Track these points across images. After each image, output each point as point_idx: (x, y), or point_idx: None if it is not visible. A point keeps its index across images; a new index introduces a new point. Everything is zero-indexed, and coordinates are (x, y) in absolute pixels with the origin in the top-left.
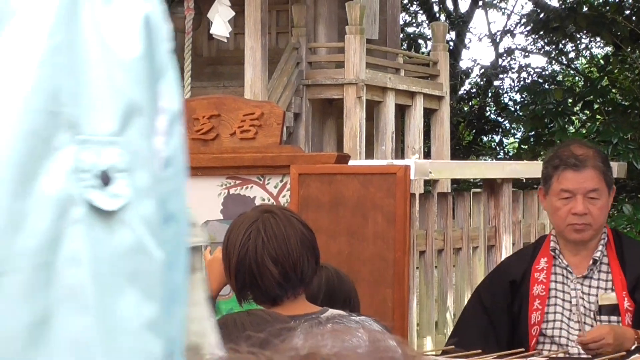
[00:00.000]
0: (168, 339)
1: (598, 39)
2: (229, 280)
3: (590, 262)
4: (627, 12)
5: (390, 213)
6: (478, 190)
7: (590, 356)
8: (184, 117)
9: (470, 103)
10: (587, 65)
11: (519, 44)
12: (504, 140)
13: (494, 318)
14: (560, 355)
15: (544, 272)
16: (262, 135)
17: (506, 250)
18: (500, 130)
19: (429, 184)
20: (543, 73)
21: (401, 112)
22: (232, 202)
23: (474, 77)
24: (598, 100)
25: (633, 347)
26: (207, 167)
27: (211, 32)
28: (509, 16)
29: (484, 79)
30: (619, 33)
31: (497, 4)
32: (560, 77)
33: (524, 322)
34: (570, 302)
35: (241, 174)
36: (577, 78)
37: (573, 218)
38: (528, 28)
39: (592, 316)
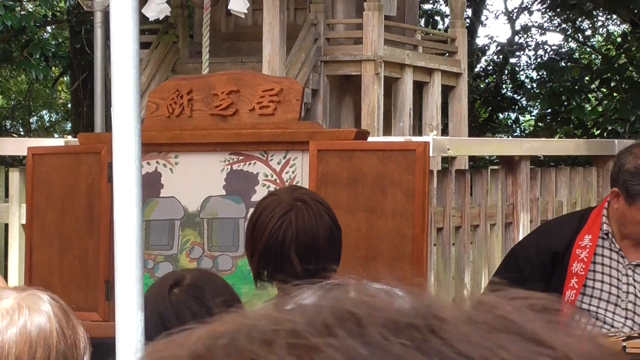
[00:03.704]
0: None
1: (614, 16)
2: (249, 258)
3: None
4: None
5: (409, 189)
6: (495, 167)
7: None
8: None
9: (486, 80)
10: (603, 43)
11: (536, 21)
12: (520, 117)
13: (529, 287)
14: None
15: (587, 250)
16: (281, 111)
17: (523, 227)
18: (517, 107)
19: (446, 161)
20: (559, 50)
21: (419, 88)
22: (234, 178)
23: (490, 55)
24: (615, 78)
25: None
26: (226, 142)
27: (229, 8)
28: None
29: (500, 56)
30: (636, 10)
31: None
32: (576, 55)
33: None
34: (619, 287)
35: (249, 150)
36: (593, 56)
37: None
38: (545, 5)
39: None
